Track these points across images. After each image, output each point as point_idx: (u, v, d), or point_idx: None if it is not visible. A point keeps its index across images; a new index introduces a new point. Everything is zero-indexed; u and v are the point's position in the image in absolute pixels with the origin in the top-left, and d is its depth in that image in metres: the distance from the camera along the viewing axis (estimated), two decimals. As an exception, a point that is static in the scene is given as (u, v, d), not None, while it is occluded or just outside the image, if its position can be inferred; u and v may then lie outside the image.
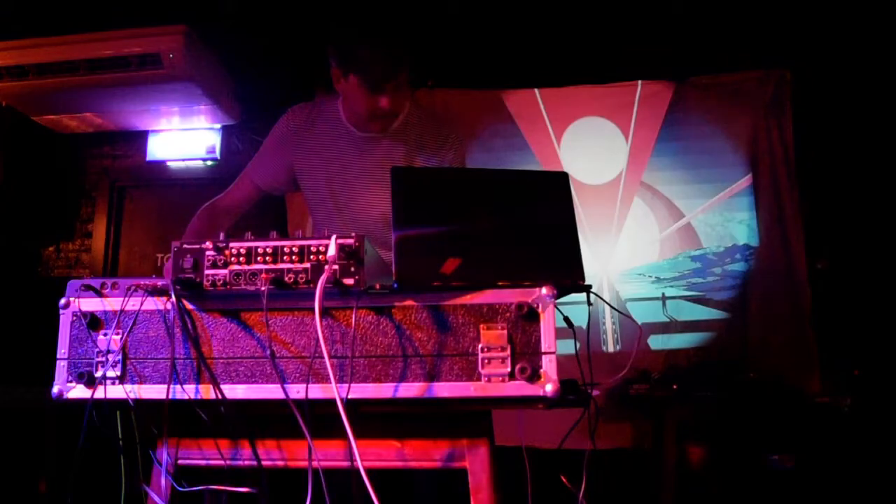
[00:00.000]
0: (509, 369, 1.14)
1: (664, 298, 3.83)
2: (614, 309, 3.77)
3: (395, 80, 1.84)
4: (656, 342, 3.77)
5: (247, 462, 1.24)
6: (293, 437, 1.22)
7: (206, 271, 1.20)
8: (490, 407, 1.22)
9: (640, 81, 4.00)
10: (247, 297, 1.20)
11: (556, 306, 1.17)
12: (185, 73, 3.51)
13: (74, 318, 1.25)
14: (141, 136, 4.32)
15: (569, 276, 1.22)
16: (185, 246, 1.22)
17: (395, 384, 1.16)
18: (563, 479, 1.30)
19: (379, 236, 1.98)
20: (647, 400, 3.38)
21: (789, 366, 3.57)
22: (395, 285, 1.17)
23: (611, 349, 3.80)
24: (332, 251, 1.16)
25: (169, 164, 4.34)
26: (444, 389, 1.15)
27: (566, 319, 1.26)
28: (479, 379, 1.15)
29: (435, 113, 2.13)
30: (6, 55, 3.54)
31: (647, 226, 3.94)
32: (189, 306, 1.23)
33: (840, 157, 3.68)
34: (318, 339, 1.14)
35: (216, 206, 2.09)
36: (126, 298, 1.23)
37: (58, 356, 1.24)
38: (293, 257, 1.18)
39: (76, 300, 1.25)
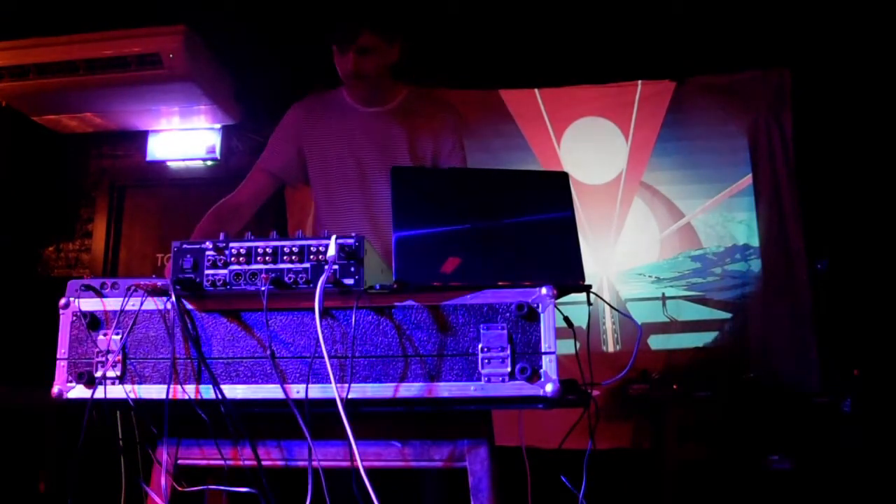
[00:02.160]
0: (509, 369, 1.14)
1: (664, 298, 3.83)
2: (614, 309, 3.77)
3: (358, 42, 1.93)
4: (656, 342, 3.77)
5: (247, 462, 1.24)
6: (293, 437, 1.22)
7: (206, 271, 1.20)
8: (490, 407, 1.22)
9: (640, 81, 4.00)
10: (247, 297, 1.20)
11: (556, 306, 1.17)
12: (185, 73, 3.51)
13: (74, 318, 1.25)
14: (141, 136, 4.32)
15: (569, 276, 1.22)
16: (185, 246, 1.22)
17: (395, 384, 1.16)
18: (564, 479, 1.30)
19: (382, 212, 2.05)
20: (647, 400, 3.39)
21: (789, 366, 3.57)
22: (396, 285, 1.17)
23: (611, 349, 3.80)
24: (332, 251, 1.16)
25: (169, 164, 4.34)
26: (444, 389, 1.15)
27: (566, 319, 1.26)
28: (479, 379, 1.15)
29: (433, 95, 2.27)
30: (6, 55, 3.54)
31: (647, 226, 3.94)
32: (189, 306, 1.23)
33: (840, 156, 3.67)
34: (318, 339, 1.14)
35: (224, 206, 2.09)
36: (126, 298, 1.23)
37: (58, 356, 1.24)
38: (293, 257, 1.18)
39: (76, 300, 1.25)
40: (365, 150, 2.09)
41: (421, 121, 2.13)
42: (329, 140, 2.13)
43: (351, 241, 1.17)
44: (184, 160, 4.31)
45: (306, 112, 2.18)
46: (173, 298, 1.20)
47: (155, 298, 1.23)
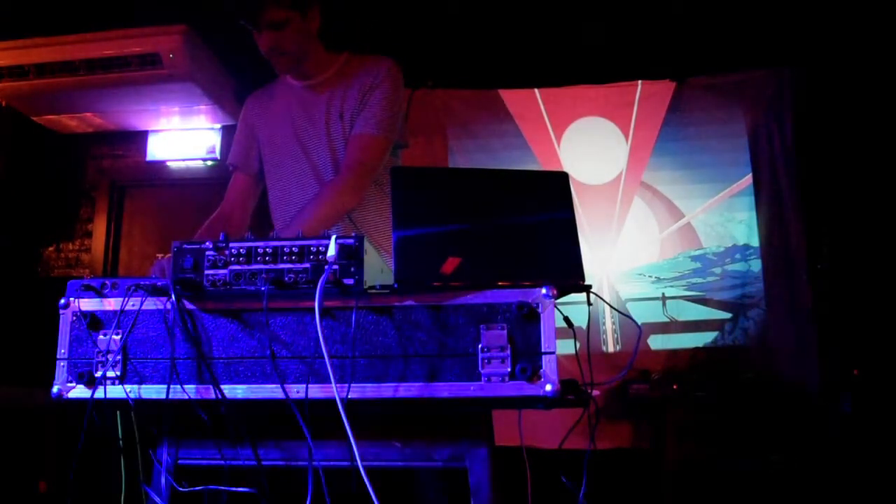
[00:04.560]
0: (509, 369, 1.14)
1: (664, 298, 3.83)
2: (614, 309, 3.77)
3: (266, 17, 1.87)
4: (656, 342, 3.77)
5: (247, 462, 1.24)
6: (293, 437, 1.22)
7: (206, 271, 1.20)
8: (490, 407, 1.22)
9: (640, 81, 4.00)
10: (247, 297, 1.20)
11: (556, 306, 1.17)
12: (185, 73, 3.51)
13: (74, 318, 1.25)
14: (141, 136, 4.32)
15: (569, 276, 1.22)
16: (185, 246, 1.22)
17: (395, 384, 1.16)
18: (563, 479, 1.30)
19: (306, 177, 2.03)
20: (647, 400, 3.39)
21: (789, 366, 3.57)
22: (395, 285, 1.17)
23: (611, 349, 3.80)
24: (332, 251, 1.16)
25: (169, 164, 4.34)
26: (444, 389, 1.15)
27: (566, 319, 1.26)
28: (479, 379, 1.15)
29: (371, 56, 2.10)
30: (6, 55, 3.54)
31: (647, 226, 3.94)
32: (189, 306, 1.23)
33: (840, 156, 3.67)
34: (318, 339, 1.14)
35: (215, 218, 2.09)
36: (126, 298, 1.23)
37: (58, 356, 1.24)
38: (293, 257, 1.18)
39: (76, 300, 1.25)
40: (303, 125, 2.06)
41: (351, 81, 2.04)
42: (274, 123, 2.11)
43: (351, 241, 1.17)
44: (184, 160, 4.30)
45: (256, 101, 2.19)
46: (173, 298, 1.20)
47: (155, 298, 1.23)
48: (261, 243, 1.20)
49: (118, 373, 1.22)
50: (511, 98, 4.08)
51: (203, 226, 2.04)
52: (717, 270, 3.84)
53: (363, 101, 2.00)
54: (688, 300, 3.82)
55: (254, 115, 2.18)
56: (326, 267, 1.16)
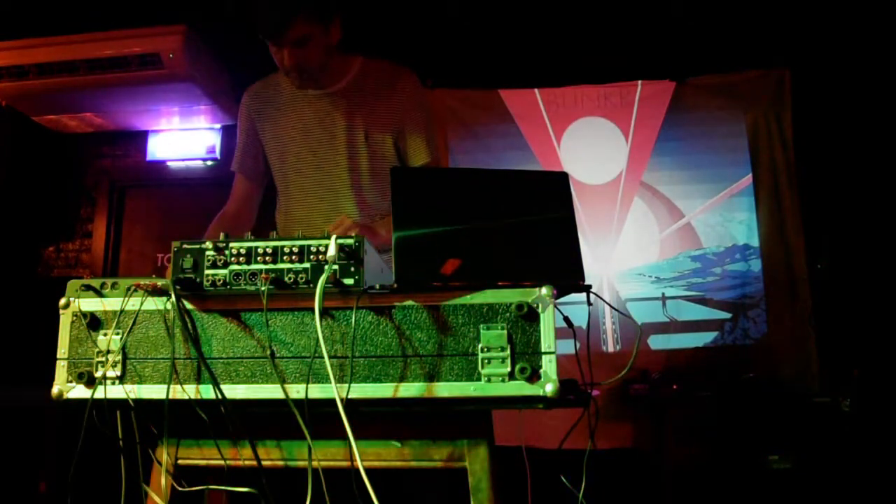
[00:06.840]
0: (509, 369, 1.14)
1: (664, 298, 3.83)
2: (614, 309, 3.77)
3: (291, 34, 1.79)
4: (656, 342, 3.77)
5: (247, 462, 1.24)
6: (293, 437, 1.22)
7: (206, 271, 1.20)
8: (490, 407, 1.22)
9: (640, 81, 4.00)
10: (247, 297, 1.20)
11: (556, 306, 1.17)
12: (185, 73, 3.51)
13: (74, 318, 1.25)
14: (141, 136, 4.32)
15: (569, 276, 1.22)
16: (185, 246, 1.22)
17: (395, 384, 1.16)
18: (563, 479, 1.30)
19: (343, 200, 2.00)
20: (647, 400, 3.39)
21: (789, 366, 3.57)
22: (396, 285, 1.17)
23: (611, 349, 3.80)
24: (332, 251, 1.16)
25: (169, 164, 4.35)
26: (444, 390, 1.15)
27: (566, 319, 1.26)
28: (479, 379, 1.15)
29: (389, 66, 2.07)
30: (6, 55, 3.54)
31: (647, 226, 3.94)
32: (189, 306, 1.23)
33: (840, 156, 3.68)
34: (318, 339, 1.14)
35: (224, 216, 2.10)
36: (126, 298, 1.23)
37: (58, 356, 1.24)
38: (293, 257, 1.18)
39: (76, 300, 1.25)
40: (319, 140, 2.02)
41: (372, 98, 2.01)
42: (282, 130, 2.06)
43: (351, 240, 1.17)
44: (184, 160, 4.31)
45: (256, 99, 2.11)
46: (173, 298, 1.20)
47: (155, 298, 1.23)
48: (261, 243, 1.20)
49: (118, 373, 1.22)
50: (511, 98, 4.08)
51: (214, 222, 2.04)
52: (717, 270, 3.84)
53: (400, 124, 2.01)
54: (688, 300, 3.82)
55: (255, 114, 2.11)
56: (326, 267, 1.16)
